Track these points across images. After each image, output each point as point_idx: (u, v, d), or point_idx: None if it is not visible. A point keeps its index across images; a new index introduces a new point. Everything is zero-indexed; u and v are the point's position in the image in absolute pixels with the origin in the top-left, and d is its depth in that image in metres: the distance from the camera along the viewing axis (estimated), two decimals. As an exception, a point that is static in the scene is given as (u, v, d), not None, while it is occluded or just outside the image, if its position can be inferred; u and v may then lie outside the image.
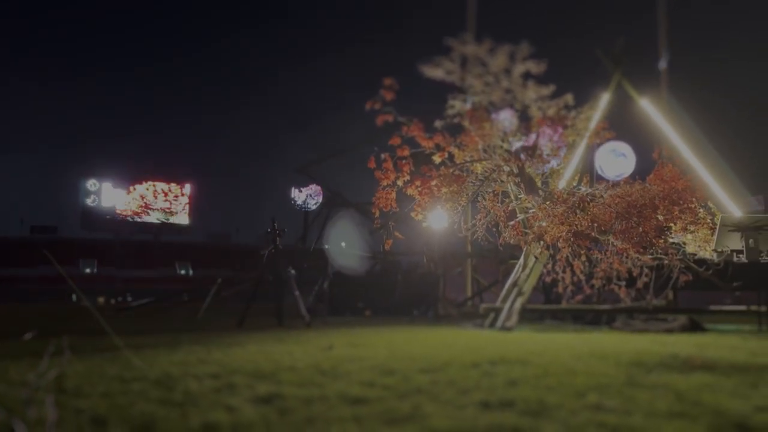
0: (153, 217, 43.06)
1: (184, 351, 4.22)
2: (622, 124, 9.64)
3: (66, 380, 2.82)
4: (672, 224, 7.96)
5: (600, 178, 9.76)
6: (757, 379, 2.97)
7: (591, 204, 7.08)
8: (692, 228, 8.15)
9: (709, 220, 8.24)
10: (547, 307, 8.44)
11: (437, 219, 8.27)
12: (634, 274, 7.00)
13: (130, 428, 1.91)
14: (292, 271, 8.29)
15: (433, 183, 7.39)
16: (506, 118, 7.62)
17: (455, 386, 2.71)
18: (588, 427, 1.97)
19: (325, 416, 2.07)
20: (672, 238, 8.20)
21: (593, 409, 2.22)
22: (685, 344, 5.00)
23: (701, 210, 8.48)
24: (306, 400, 2.36)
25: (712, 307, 7.79)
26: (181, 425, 1.94)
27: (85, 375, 3.03)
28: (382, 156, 7.41)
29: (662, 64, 12.72)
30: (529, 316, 8.46)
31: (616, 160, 10.95)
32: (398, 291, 11.72)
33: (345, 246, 16.28)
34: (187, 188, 44.24)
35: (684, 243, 8.01)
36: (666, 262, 7.15)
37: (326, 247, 13.07)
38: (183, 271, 38.42)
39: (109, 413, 2.11)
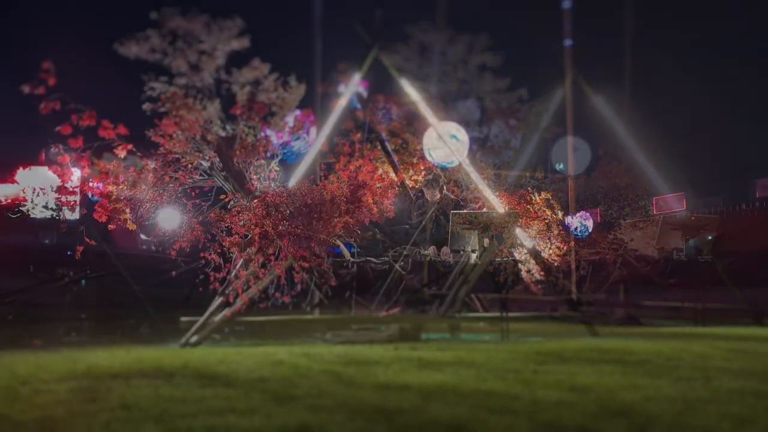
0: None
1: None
2: (577, 120, 9.77)
3: None
4: (621, 220, 8.13)
5: (554, 171, 9.79)
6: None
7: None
8: (642, 225, 8.32)
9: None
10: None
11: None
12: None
13: None
14: None
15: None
16: (469, 107, 7.64)
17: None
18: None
19: None
20: (622, 234, 8.34)
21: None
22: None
23: (651, 208, 8.66)
24: None
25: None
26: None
27: None
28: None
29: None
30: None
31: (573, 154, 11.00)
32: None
33: None
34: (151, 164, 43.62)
35: (628, 240, 8.18)
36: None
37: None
38: (145, 246, 37.72)
39: None
